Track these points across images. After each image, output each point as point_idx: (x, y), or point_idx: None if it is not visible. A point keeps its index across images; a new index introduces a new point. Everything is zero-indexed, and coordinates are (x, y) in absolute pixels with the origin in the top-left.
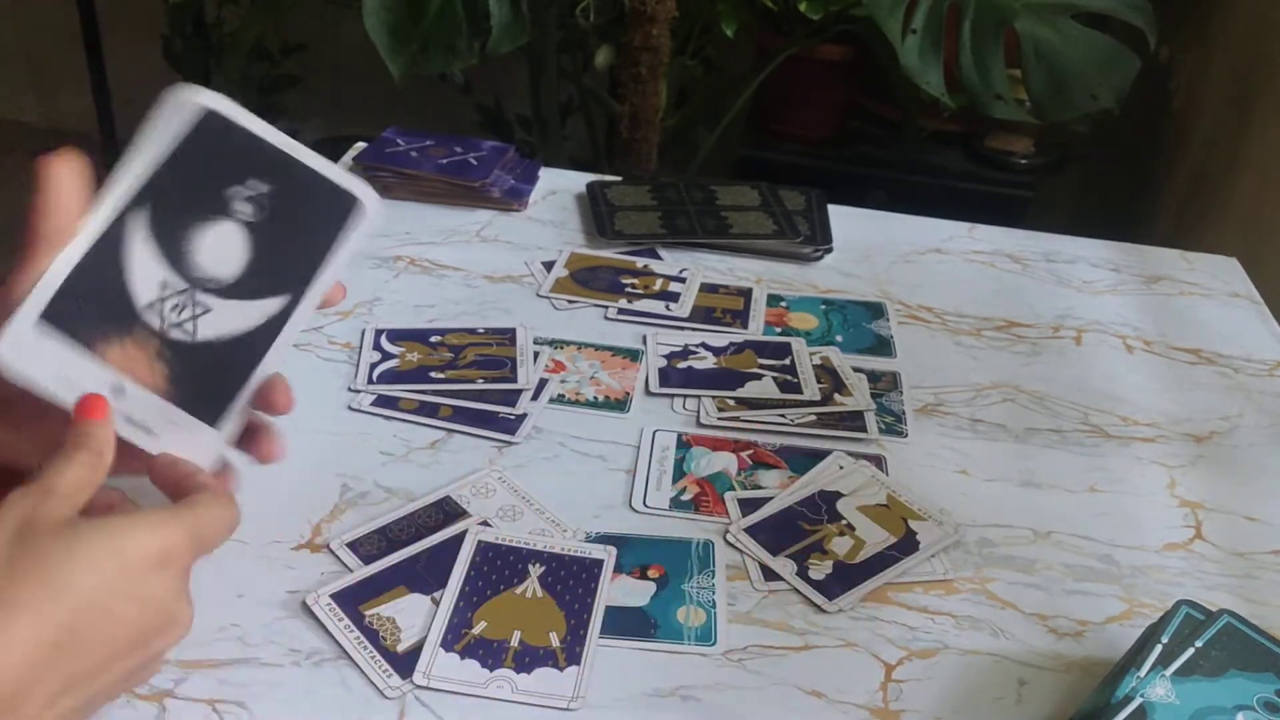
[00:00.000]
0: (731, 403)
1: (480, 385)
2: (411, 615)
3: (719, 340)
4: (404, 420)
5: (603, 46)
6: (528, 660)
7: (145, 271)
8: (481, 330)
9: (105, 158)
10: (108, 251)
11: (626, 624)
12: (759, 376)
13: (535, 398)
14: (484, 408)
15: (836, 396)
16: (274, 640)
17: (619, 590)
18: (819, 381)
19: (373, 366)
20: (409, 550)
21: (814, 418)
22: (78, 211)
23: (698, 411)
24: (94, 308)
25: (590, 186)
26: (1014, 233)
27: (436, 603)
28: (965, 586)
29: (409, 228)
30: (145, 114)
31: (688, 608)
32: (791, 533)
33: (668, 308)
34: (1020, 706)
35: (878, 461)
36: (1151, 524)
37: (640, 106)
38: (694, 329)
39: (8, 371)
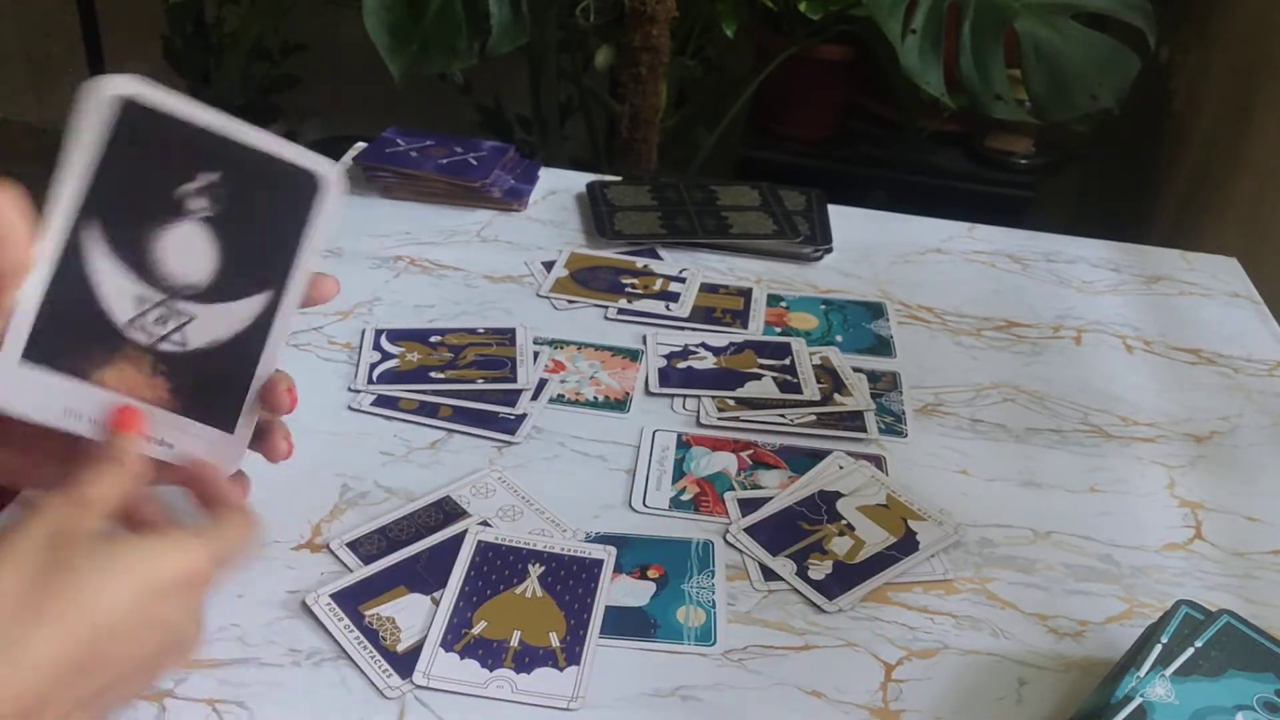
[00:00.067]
0: (731, 403)
1: (480, 385)
2: (411, 615)
3: (719, 340)
4: (404, 420)
5: (603, 46)
6: (527, 660)
7: (116, 288)
8: (481, 330)
9: None
10: (72, 275)
11: (626, 624)
12: (759, 376)
13: (535, 398)
14: (484, 408)
15: (836, 396)
16: (274, 640)
17: (619, 590)
18: (819, 381)
19: (373, 366)
20: (409, 550)
21: (814, 418)
22: (28, 241)
23: (698, 411)
24: (75, 336)
25: (590, 186)
26: (1014, 233)
27: (436, 603)
28: (965, 586)
29: (409, 228)
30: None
31: (687, 608)
32: (791, 533)
33: (668, 308)
34: (1020, 706)
35: (878, 461)
36: (1151, 524)
37: (640, 106)
38: (694, 329)
39: (9, 413)
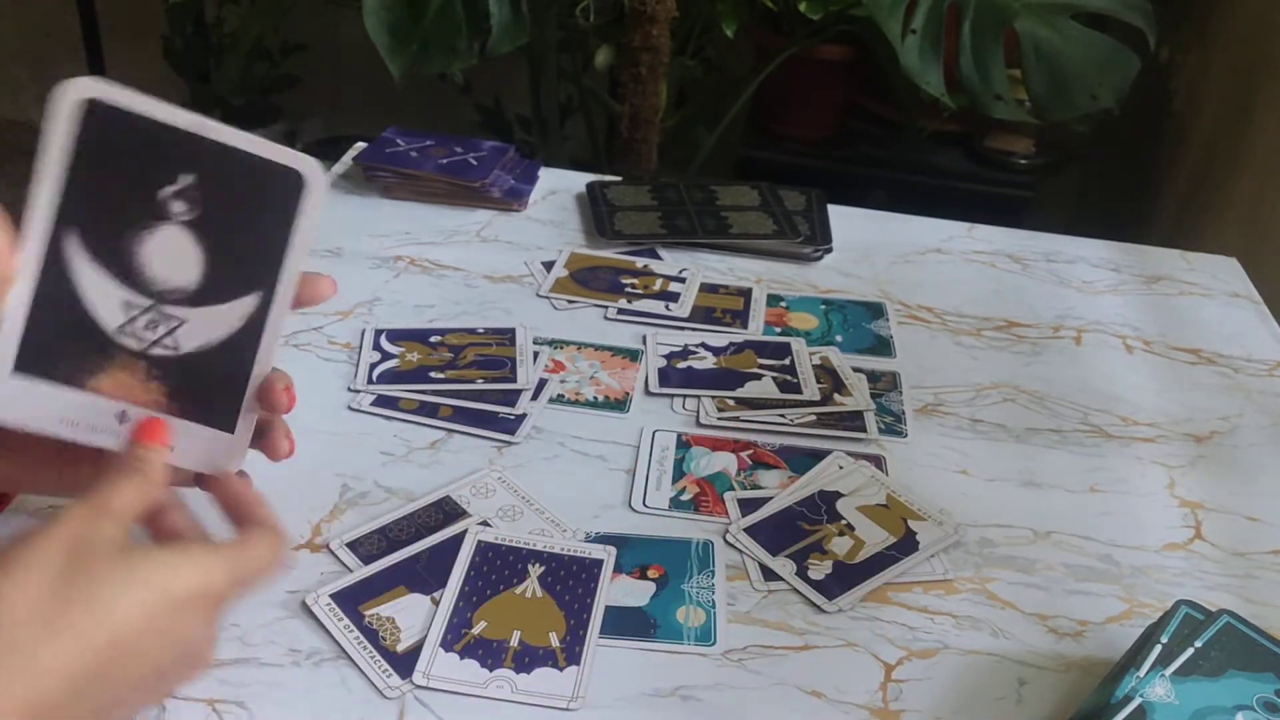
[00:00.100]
0: (731, 403)
1: (480, 385)
2: (411, 615)
3: (719, 340)
4: (404, 420)
5: (603, 46)
6: (527, 660)
7: (102, 295)
8: (481, 330)
9: None
10: (57, 284)
11: (626, 624)
12: (759, 376)
13: (535, 398)
14: (484, 408)
15: (836, 396)
16: (274, 640)
17: (619, 590)
18: (819, 381)
19: (373, 366)
20: (409, 550)
21: (814, 418)
22: (9, 252)
23: (697, 411)
24: (66, 345)
25: (590, 186)
26: (1014, 233)
27: (436, 603)
28: (965, 586)
29: (409, 228)
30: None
31: (687, 608)
32: (791, 533)
33: (668, 308)
34: (1020, 706)
35: (877, 461)
36: (1151, 524)
37: (640, 106)
38: (694, 329)
39: (6, 424)
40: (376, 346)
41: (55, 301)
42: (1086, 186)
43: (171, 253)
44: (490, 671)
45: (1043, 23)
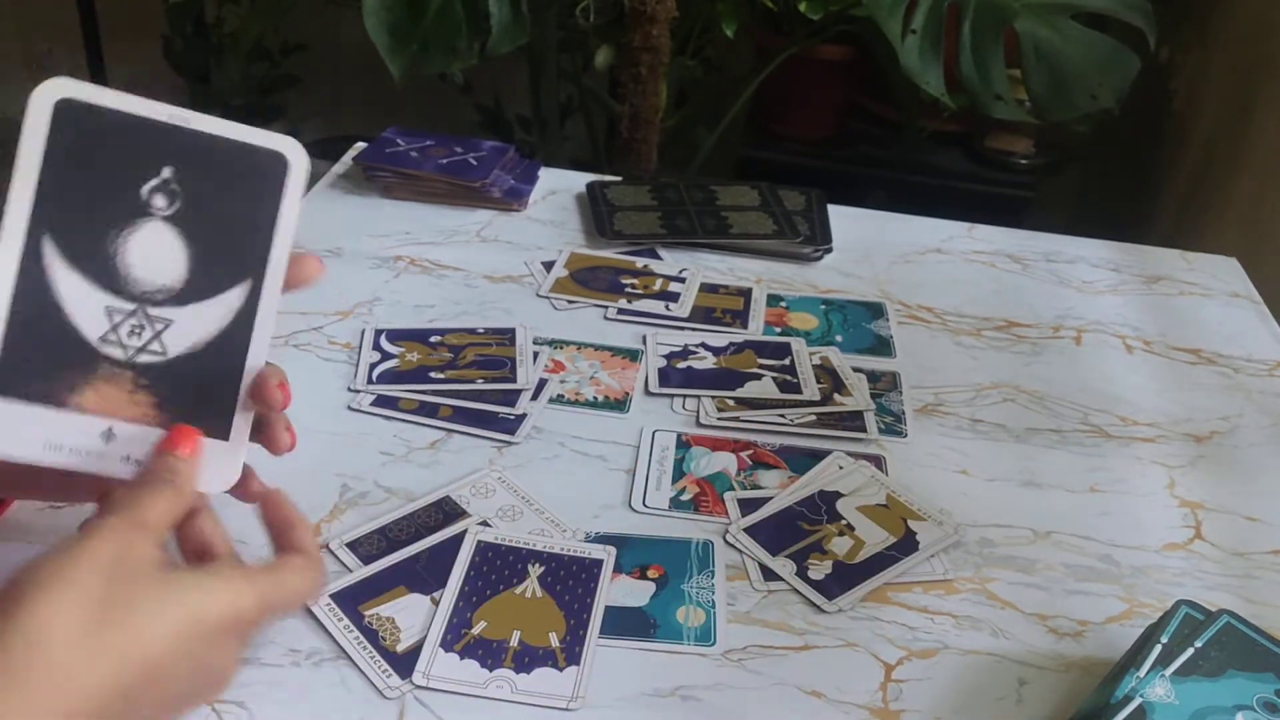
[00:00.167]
0: (731, 403)
1: (480, 385)
2: (411, 615)
3: (719, 340)
4: (404, 420)
5: (603, 46)
6: (527, 660)
7: (84, 302)
8: (481, 330)
9: None
10: (34, 295)
11: (626, 624)
12: (759, 376)
13: (535, 398)
14: (484, 408)
15: (836, 396)
16: (274, 640)
17: (619, 590)
18: (819, 381)
19: (372, 366)
20: (409, 550)
21: (814, 418)
22: None
23: (697, 411)
24: (46, 361)
25: (590, 186)
26: (1014, 233)
27: (436, 603)
28: (965, 586)
29: (409, 228)
30: None
31: (687, 608)
32: (791, 533)
33: (668, 308)
34: (1020, 706)
35: (877, 461)
36: (1151, 524)
37: (640, 106)
38: (694, 329)
39: None
40: (376, 346)
41: (33, 313)
42: (1086, 186)
43: (154, 251)
44: (490, 671)
45: (1043, 23)
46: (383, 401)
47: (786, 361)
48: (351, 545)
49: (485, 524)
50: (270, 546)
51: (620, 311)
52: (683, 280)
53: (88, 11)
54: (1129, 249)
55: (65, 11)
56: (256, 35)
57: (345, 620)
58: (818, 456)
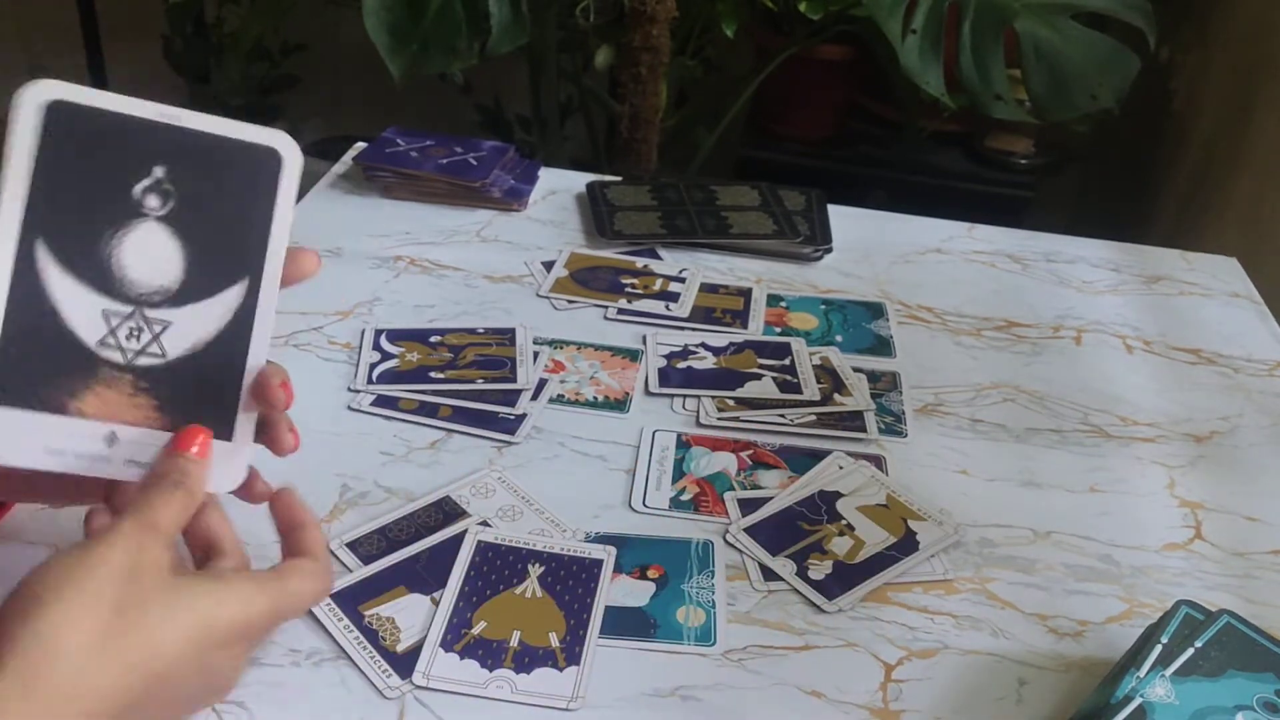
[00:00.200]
0: (731, 403)
1: (480, 385)
2: (411, 615)
3: (719, 340)
4: (404, 420)
5: (603, 46)
6: (527, 660)
7: (80, 306)
8: (481, 330)
9: None
10: (30, 301)
11: (626, 624)
12: (759, 376)
13: (535, 398)
14: (484, 408)
15: (836, 396)
16: (274, 640)
17: (619, 590)
18: (819, 381)
19: (372, 366)
20: (409, 550)
21: (814, 418)
22: None
23: (697, 411)
24: (44, 367)
25: (590, 186)
26: (1014, 233)
27: (436, 603)
28: (965, 586)
29: (409, 228)
30: None
31: (687, 608)
32: (791, 533)
33: (668, 308)
34: (1020, 706)
35: (877, 461)
36: (1151, 524)
37: (640, 106)
38: (694, 329)
39: None
40: (376, 346)
41: (30, 319)
42: (1086, 186)
43: (150, 251)
44: (490, 672)
45: (1043, 23)
46: (383, 401)
47: (786, 361)
48: (351, 545)
49: (485, 524)
50: (280, 544)
51: (620, 311)
52: (683, 280)
53: (88, 12)
54: (1129, 249)
55: (65, 12)
56: (256, 35)
57: (345, 620)
58: (818, 456)
